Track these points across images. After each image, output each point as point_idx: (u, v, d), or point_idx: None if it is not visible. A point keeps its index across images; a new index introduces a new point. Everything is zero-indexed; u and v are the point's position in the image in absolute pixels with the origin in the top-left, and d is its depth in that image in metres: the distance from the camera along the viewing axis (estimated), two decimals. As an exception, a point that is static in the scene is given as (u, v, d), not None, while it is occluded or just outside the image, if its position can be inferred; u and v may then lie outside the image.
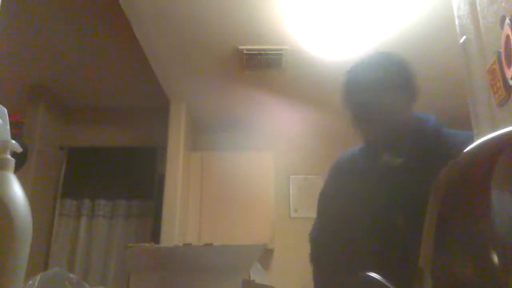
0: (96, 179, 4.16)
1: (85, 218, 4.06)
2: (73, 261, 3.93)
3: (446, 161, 1.20)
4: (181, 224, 3.69)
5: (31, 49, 3.38)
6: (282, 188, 4.31)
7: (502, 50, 1.41)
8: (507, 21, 1.36)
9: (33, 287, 0.82)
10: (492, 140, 0.46)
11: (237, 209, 3.89)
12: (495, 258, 0.40)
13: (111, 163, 4.20)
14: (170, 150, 3.77)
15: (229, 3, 2.62)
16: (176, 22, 2.80)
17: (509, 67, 1.36)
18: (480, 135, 1.51)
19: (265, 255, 3.99)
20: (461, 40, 1.75)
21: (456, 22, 1.83)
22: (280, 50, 3.07)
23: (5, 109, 0.75)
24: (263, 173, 4.05)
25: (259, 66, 3.25)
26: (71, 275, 0.90)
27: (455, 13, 1.83)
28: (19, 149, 0.61)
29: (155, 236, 3.63)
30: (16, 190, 0.57)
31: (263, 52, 3.08)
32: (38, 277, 0.85)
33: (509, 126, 0.45)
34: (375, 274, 0.64)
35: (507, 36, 1.37)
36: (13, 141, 0.60)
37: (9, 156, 0.59)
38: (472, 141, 1.27)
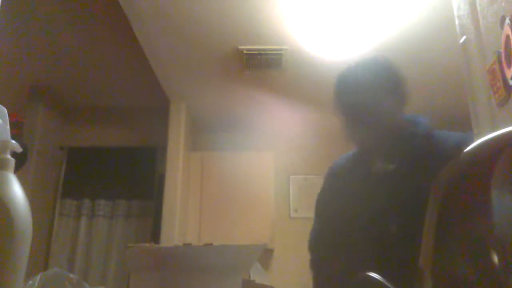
0: (96, 179, 4.16)
1: (85, 218, 4.06)
2: (73, 261, 3.93)
3: (438, 164, 1.20)
4: (181, 224, 3.69)
5: (31, 49, 3.38)
6: (282, 188, 4.31)
7: (502, 50, 1.41)
8: (507, 21, 1.36)
9: (33, 287, 0.82)
10: (492, 140, 0.46)
11: (237, 209, 3.89)
12: (495, 258, 0.40)
13: (111, 163, 4.20)
14: (170, 150, 3.77)
15: (229, 3, 2.62)
16: (176, 22, 2.80)
17: (509, 67, 1.37)
18: (480, 135, 1.51)
19: (265, 255, 3.99)
20: (461, 40, 1.75)
21: (456, 22, 1.83)
22: (280, 50, 3.07)
23: (5, 109, 0.75)
24: (263, 173, 4.05)
25: (259, 66, 3.25)
26: (71, 275, 0.90)
27: (455, 13, 1.83)
28: (19, 149, 0.61)
29: (155, 236, 3.63)
30: (16, 190, 0.57)
31: (263, 52, 3.08)
32: (38, 277, 0.85)
33: (509, 126, 0.45)
34: (375, 274, 0.64)
35: (507, 36, 1.37)
36: (13, 141, 0.60)
37: (9, 156, 0.59)
38: (463, 142, 1.27)
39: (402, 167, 1.25)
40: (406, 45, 3.01)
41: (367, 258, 1.21)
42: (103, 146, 4.28)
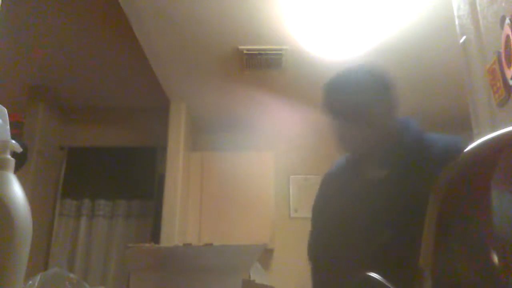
0: (96, 179, 4.16)
1: (85, 218, 4.06)
2: (73, 261, 3.93)
3: (429, 167, 1.21)
4: (181, 224, 3.69)
5: (31, 49, 3.38)
6: (282, 188, 4.31)
7: (502, 50, 1.41)
8: (507, 21, 1.36)
9: (33, 287, 0.82)
10: (492, 140, 0.46)
11: (237, 209, 3.89)
12: (495, 258, 0.40)
13: (111, 163, 4.20)
14: (170, 150, 3.78)
15: (229, 3, 2.62)
16: (176, 22, 2.80)
17: (509, 67, 1.37)
18: (480, 135, 1.51)
19: (265, 255, 3.99)
20: (461, 40, 1.75)
21: (456, 22, 1.83)
22: (280, 50, 3.07)
23: (5, 109, 0.75)
24: (263, 173, 4.05)
25: (259, 66, 3.25)
26: (71, 275, 0.90)
27: (455, 13, 1.84)
28: (19, 149, 0.61)
29: (155, 236, 3.63)
30: (16, 190, 0.57)
31: (263, 52, 3.08)
32: (38, 277, 0.85)
33: (509, 126, 0.45)
34: (375, 274, 0.64)
35: (507, 36, 1.37)
36: (13, 141, 0.60)
37: (9, 156, 0.59)
38: (452, 144, 1.28)
39: (394, 173, 1.25)
40: (406, 45, 3.01)
41: (364, 265, 1.21)
42: (103, 146, 4.28)
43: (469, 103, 1.70)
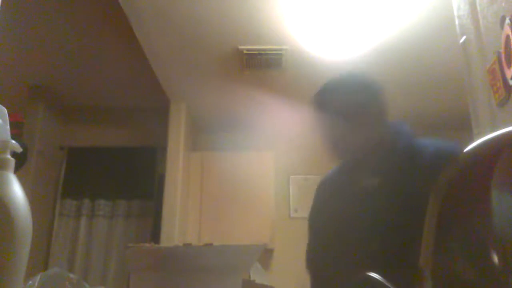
0: (96, 179, 4.16)
1: (85, 218, 4.06)
2: (73, 261, 3.93)
3: (420, 174, 1.21)
4: (181, 224, 3.69)
5: (31, 49, 3.38)
6: (282, 188, 4.31)
7: (502, 50, 1.41)
8: (507, 21, 1.36)
9: (33, 287, 0.82)
10: (492, 140, 0.46)
11: (237, 209, 3.89)
12: (495, 258, 0.40)
13: (111, 163, 4.20)
14: (170, 150, 3.77)
15: (229, 3, 2.62)
16: (176, 22, 2.80)
17: (509, 67, 1.37)
18: (480, 135, 1.51)
19: (265, 255, 4.00)
20: (461, 40, 1.75)
21: (456, 22, 1.83)
22: (280, 50, 3.07)
23: (5, 109, 0.75)
24: (263, 173, 4.05)
25: (259, 66, 3.25)
26: (71, 275, 0.90)
27: (455, 13, 1.84)
28: (19, 149, 0.61)
29: (155, 236, 3.63)
30: (16, 190, 0.57)
31: (263, 52, 3.08)
32: (38, 277, 0.85)
33: (509, 126, 0.45)
34: (375, 274, 0.64)
35: (507, 36, 1.37)
36: (13, 141, 0.60)
37: (9, 156, 0.59)
38: (444, 149, 1.29)
39: (387, 181, 1.25)
40: (406, 45, 3.01)
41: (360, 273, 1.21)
42: (103, 146, 4.28)
43: (469, 103, 1.70)
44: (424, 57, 3.16)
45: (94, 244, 3.99)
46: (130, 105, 4.29)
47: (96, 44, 3.32)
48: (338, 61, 3.12)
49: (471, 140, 0.50)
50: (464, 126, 2.07)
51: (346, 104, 1.30)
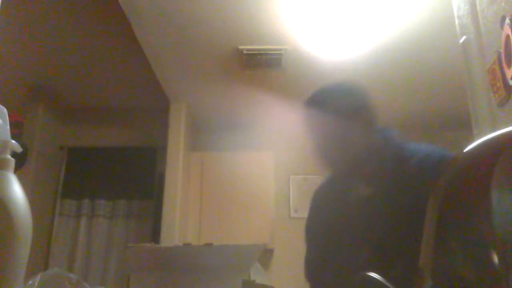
0: (96, 179, 4.16)
1: (85, 218, 4.06)
2: (73, 261, 3.93)
3: (409, 181, 1.21)
4: (181, 224, 3.69)
5: (31, 49, 3.38)
6: (282, 188, 4.30)
7: (502, 50, 1.41)
8: (507, 21, 1.36)
9: (33, 287, 0.82)
10: (492, 140, 0.46)
11: (237, 209, 3.89)
12: (495, 258, 0.40)
13: (111, 163, 4.20)
14: (170, 150, 3.77)
15: (229, 3, 2.62)
16: (176, 22, 2.80)
17: (509, 67, 1.37)
18: (480, 135, 1.51)
19: (265, 255, 3.99)
20: (461, 40, 1.75)
21: (456, 22, 1.83)
22: (280, 50, 3.07)
23: (5, 109, 0.75)
24: (263, 173, 4.05)
25: (259, 66, 3.25)
26: (71, 275, 0.90)
27: (455, 13, 1.84)
28: (19, 149, 0.61)
29: (155, 236, 3.63)
30: (16, 190, 0.57)
31: (263, 52, 3.08)
32: (38, 277, 0.85)
33: (509, 126, 0.45)
34: (375, 274, 0.64)
35: (507, 36, 1.37)
36: (13, 141, 0.60)
37: (9, 156, 0.59)
38: (431, 155, 1.31)
39: (377, 191, 1.26)
40: (407, 45, 3.01)
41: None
42: (103, 146, 4.28)
43: (469, 103, 1.70)
44: (424, 57, 3.16)
45: (94, 244, 3.99)
46: (130, 105, 4.29)
47: (96, 44, 3.32)
48: (338, 61, 3.12)
49: (471, 140, 0.50)
50: (464, 126, 2.07)
51: (335, 113, 1.30)
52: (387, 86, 3.54)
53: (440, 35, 2.84)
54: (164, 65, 3.28)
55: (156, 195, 3.98)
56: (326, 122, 1.31)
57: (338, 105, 1.31)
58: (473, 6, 1.63)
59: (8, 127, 0.74)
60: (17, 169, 0.60)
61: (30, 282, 0.83)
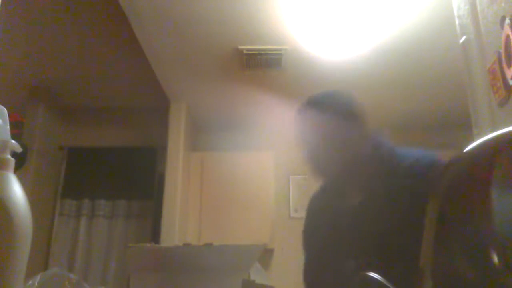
0: (96, 179, 4.16)
1: (85, 218, 4.06)
2: (73, 261, 3.93)
3: (401, 185, 1.22)
4: (181, 224, 3.69)
5: (31, 49, 3.38)
6: (282, 188, 4.30)
7: (502, 50, 1.41)
8: (507, 21, 1.36)
9: (33, 287, 0.82)
10: (492, 140, 0.46)
11: (237, 209, 3.89)
12: (495, 258, 0.40)
13: (111, 163, 4.20)
14: (170, 150, 3.77)
15: (229, 3, 2.62)
16: (176, 22, 2.80)
17: (509, 67, 1.37)
18: (480, 135, 1.51)
19: (265, 255, 3.99)
20: (461, 40, 1.75)
21: (456, 22, 1.83)
22: (280, 50, 3.07)
23: (5, 109, 0.75)
24: (263, 173, 4.05)
25: (259, 66, 3.25)
26: (71, 275, 0.90)
27: (455, 13, 1.84)
28: (19, 149, 0.61)
29: (155, 236, 3.63)
30: (16, 190, 0.57)
31: (263, 52, 3.08)
32: (38, 277, 0.85)
33: (509, 126, 0.45)
34: (375, 274, 0.64)
35: (507, 36, 1.37)
36: (13, 141, 0.60)
37: (9, 156, 0.59)
38: (421, 160, 1.32)
39: (371, 197, 1.26)
40: (406, 45, 3.01)
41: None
42: (103, 146, 4.27)
43: (469, 103, 1.70)
44: (424, 57, 3.16)
45: (94, 244, 3.99)
46: (130, 105, 4.29)
47: (96, 44, 3.32)
48: (338, 61, 3.12)
49: (471, 140, 0.50)
50: (464, 126, 2.07)
51: (326, 121, 1.31)
52: (387, 86, 3.54)
53: (440, 35, 2.84)
54: (164, 65, 3.28)
55: (156, 195, 3.98)
56: (317, 130, 1.32)
57: (333, 110, 1.32)
58: (473, 6, 1.63)
59: (8, 127, 0.74)
60: (17, 169, 0.60)
61: (30, 282, 0.83)
